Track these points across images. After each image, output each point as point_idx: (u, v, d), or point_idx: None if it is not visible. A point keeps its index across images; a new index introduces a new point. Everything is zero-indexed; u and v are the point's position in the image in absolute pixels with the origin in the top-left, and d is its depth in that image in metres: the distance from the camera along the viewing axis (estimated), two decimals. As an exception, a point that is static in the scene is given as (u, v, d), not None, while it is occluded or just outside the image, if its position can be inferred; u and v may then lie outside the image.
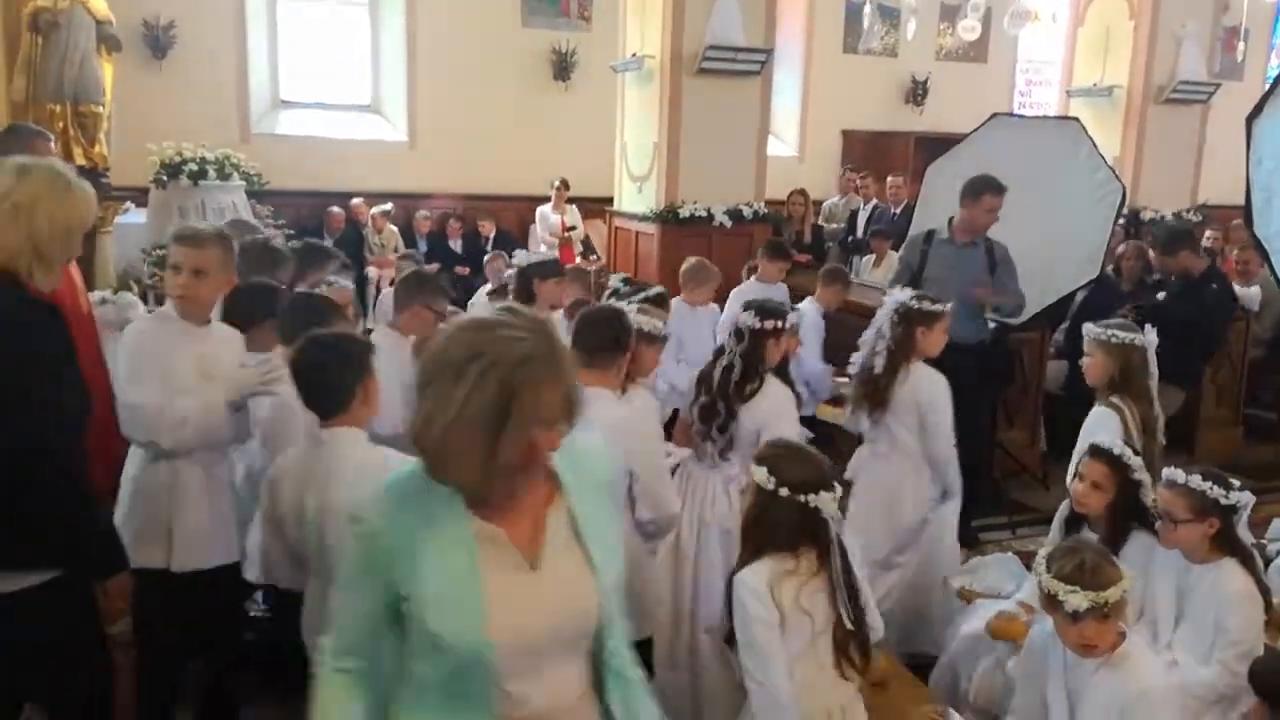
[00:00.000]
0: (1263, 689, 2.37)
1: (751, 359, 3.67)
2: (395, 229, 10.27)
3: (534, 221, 10.54)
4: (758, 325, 3.67)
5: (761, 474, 2.44)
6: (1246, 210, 5.58)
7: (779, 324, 3.72)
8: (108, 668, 2.68)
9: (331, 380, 2.69)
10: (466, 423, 1.56)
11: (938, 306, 4.08)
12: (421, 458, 1.65)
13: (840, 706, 2.47)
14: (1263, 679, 2.30)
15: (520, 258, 5.36)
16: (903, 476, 4.09)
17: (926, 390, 4.01)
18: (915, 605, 4.16)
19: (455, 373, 1.57)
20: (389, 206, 10.33)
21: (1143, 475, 3.17)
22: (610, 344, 3.15)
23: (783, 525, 2.42)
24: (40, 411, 2.31)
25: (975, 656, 3.41)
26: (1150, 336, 3.86)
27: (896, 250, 7.89)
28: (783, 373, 3.89)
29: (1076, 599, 2.42)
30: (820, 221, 10.21)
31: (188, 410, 2.97)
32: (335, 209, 10.10)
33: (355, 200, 10.27)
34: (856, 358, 4.23)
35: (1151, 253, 7.08)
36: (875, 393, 4.07)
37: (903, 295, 4.16)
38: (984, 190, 5.17)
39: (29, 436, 2.30)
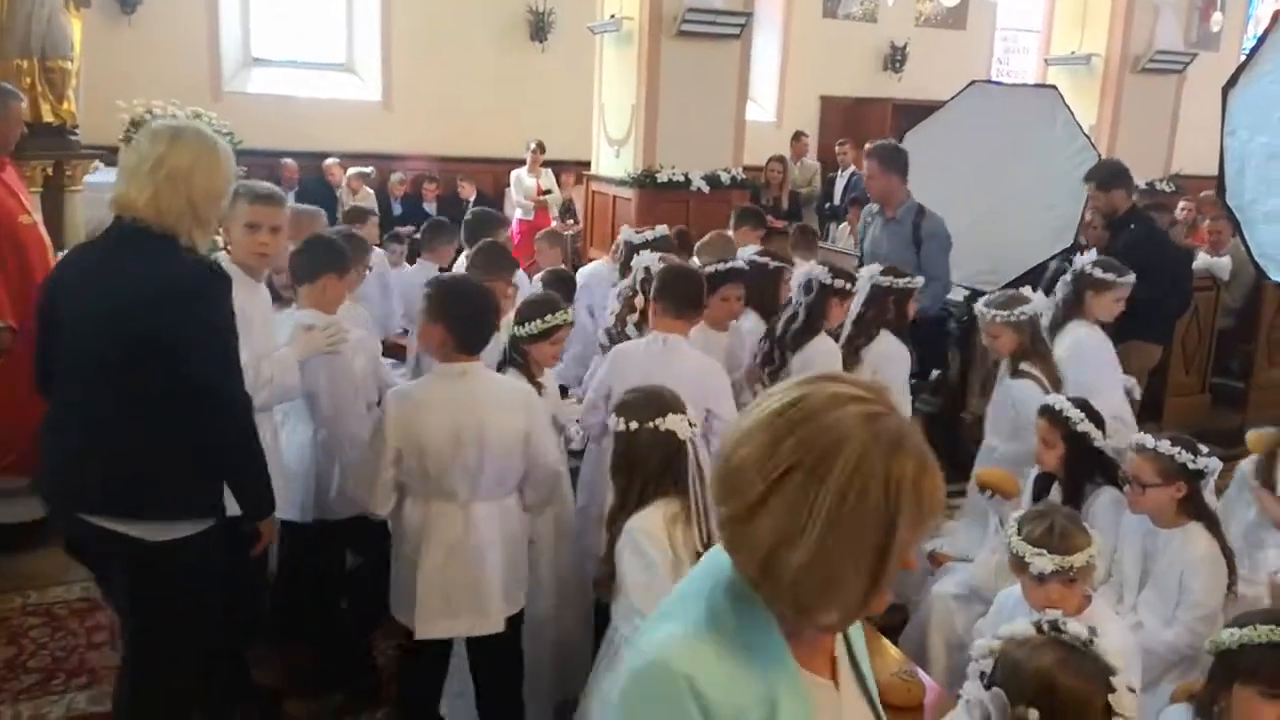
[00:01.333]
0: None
1: (814, 311, 3.99)
2: (371, 191, 10.18)
3: (509, 184, 10.47)
4: (827, 281, 3.99)
5: (616, 420, 2.55)
6: (1219, 180, 5.60)
7: (847, 285, 4.05)
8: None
9: (486, 323, 2.98)
10: (845, 539, 1.14)
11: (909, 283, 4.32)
12: (759, 588, 1.20)
13: None
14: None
15: (625, 235, 4.95)
16: None
17: (882, 362, 4.18)
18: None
19: (809, 473, 1.15)
20: (370, 170, 10.21)
21: (1086, 426, 3.25)
22: (696, 300, 3.52)
23: (644, 458, 2.50)
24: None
25: (946, 618, 3.48)
26: (1039, 300, 4.09)
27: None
28: (900, 331, 4.26)
29: (1043, 562, 2.46)
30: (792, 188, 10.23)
31: (271, 369, 3.06)
32: (289, 161, 9.92)
33: (329, 161, 10.16)
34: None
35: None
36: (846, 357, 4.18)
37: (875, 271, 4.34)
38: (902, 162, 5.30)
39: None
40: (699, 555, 2.25)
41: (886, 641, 3.42)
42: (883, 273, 4.30)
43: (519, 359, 3.36)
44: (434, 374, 3.02)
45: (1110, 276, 4.41)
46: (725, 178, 8.48)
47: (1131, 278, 4.44)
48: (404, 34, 11.03)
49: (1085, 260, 4.49)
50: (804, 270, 4.18)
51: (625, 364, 3.44)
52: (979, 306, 4.13)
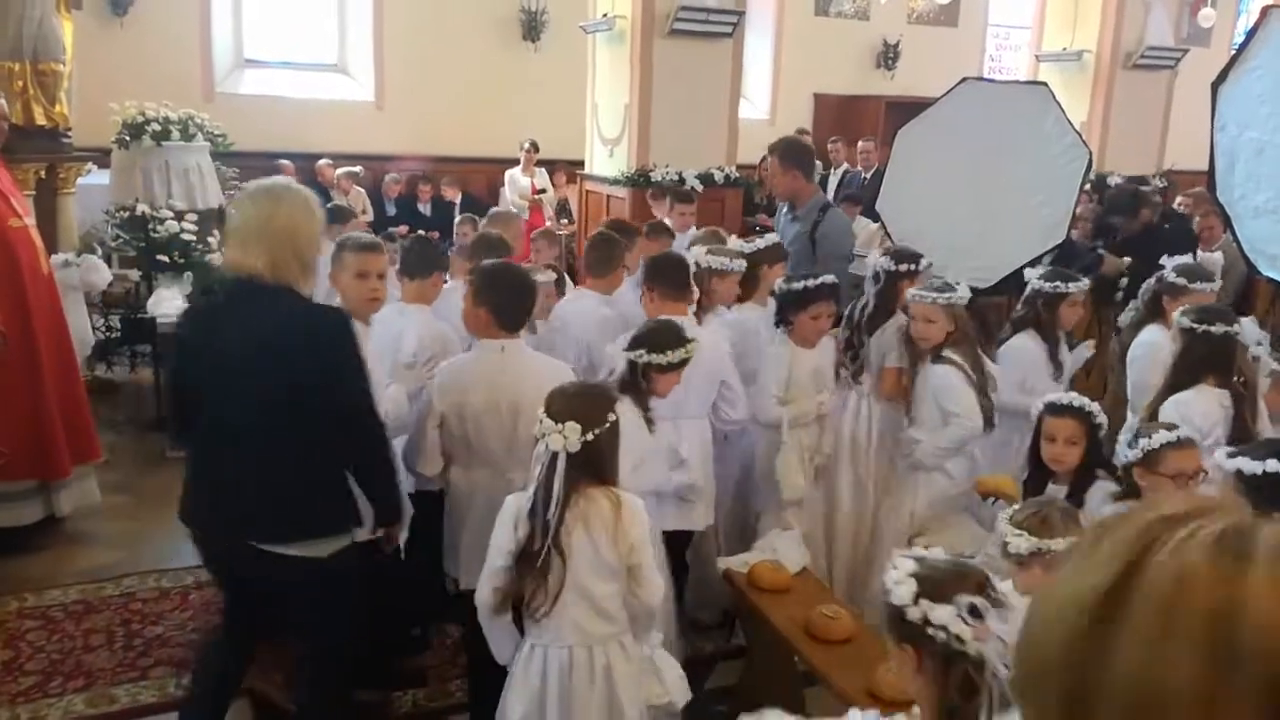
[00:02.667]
0: None
1: (884, 297, 4.25)
2: (363, 191, 10.17)
3: (504, 184, 10.48)
4: (892, 268, 4.24)
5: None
6: (1210, 176, 5.65)
7: (911, 267, 4.25)
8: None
9: (524, 303, 3.31)
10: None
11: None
12: None
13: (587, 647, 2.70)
14: None
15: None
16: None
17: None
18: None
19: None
20: (358, 169, 10.21)
21: (1102, 418, 3.26)
22: (685, 284, 3.88)
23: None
24: (373, 398, 2.88)
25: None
26: (964, 290, 4.05)
27: (866, 215, 7.92)
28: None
29: (1020, 542, 2.47)
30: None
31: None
32: (284, 161, 9.93)
33: (321, 161, 10.16)
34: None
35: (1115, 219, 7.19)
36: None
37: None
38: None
39: (378, 415, 2.90)
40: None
41: (822, 584, 3.50)
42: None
43: (641, 384, 3.35)
44: (477, 348, 3.37)
45: (1184, 282, 4.30)
46: (719, 176, 8.49)
47: (1212, 285, 4.35)
48: (396, 34, 11.03)
49: (1169, 266, 4.42)
50: (870, 259, 4.49)
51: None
52: (910, 294, 4.06)
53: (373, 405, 2.87)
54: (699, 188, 8.22)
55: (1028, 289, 4.45)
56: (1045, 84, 6.47)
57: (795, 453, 4.05)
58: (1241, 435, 3.41)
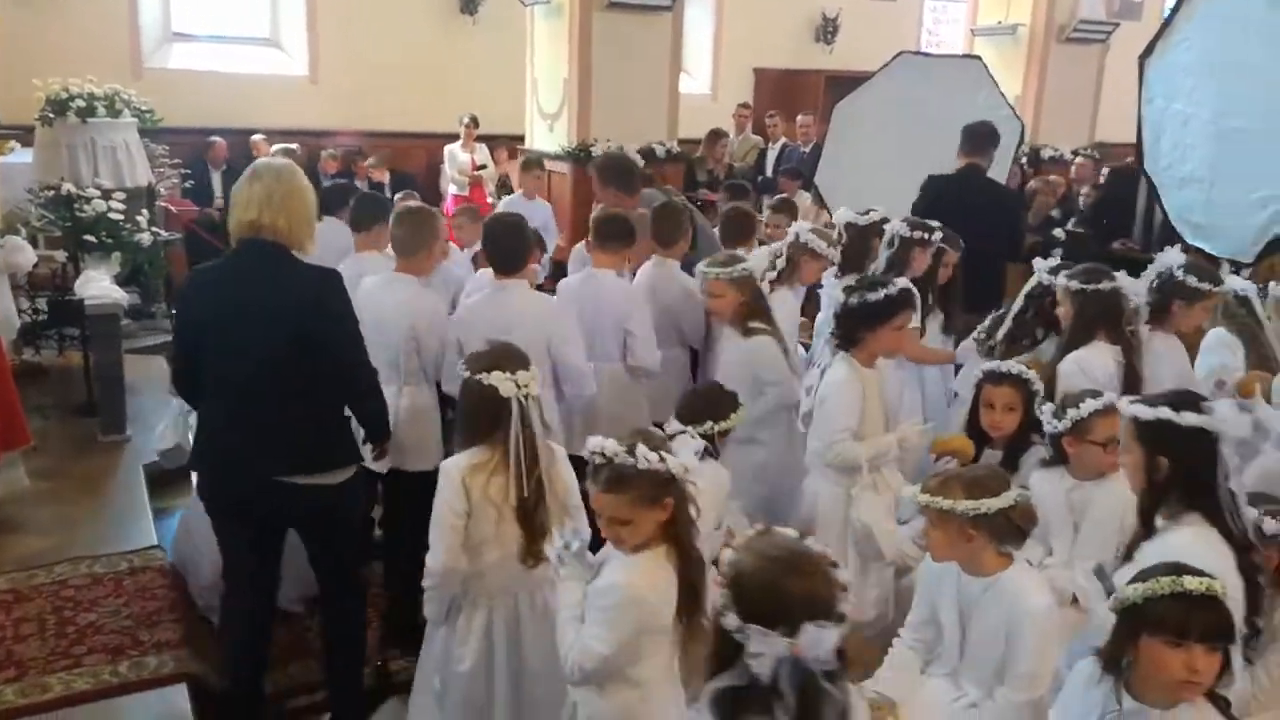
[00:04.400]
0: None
1: (896, 261, 4.35)
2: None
3: (443, 160, 10.36)
4: (907, 233, 4.36)
5: (461, 369, 2.81)
6: (1138, 148, 5.79)
7: (925, 235, 4.38)
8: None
9: (514, 249, 3.79)
10: None
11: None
12: None
13: (529, 592, 2.76)
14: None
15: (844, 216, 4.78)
16: None
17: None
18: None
19: None
20: (295, 146, 10.00)
21: (1039, 386, 3.35)
22: (628, 236, 4.25)
23: (472, 410, 2.74)
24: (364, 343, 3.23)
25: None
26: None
27: (805, 190, 7.98)
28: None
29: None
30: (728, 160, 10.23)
31: None
32: (217, 139, 9.70)
33: (255, 137, 9.94)
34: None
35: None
36: None
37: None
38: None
39: (369, 361, 3.26)
40: (516, 507, 2.65)
41: None
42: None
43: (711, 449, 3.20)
44: (487, 287, 3.89)
45: (1198, 283, 3.90)
46: (660, 151, 8.47)
47: (1224, 286, 4.02)
48: (330, 7, 10.80)
49: (1172, 264, 3.94)
50: (891, 227, 4.53)
51: (565, 294, 4.23)
52: (699, 268, 4.08)
53: (365, 355, 3.23)
54: (640, 162, 8.20)
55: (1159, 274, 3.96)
56: (979, 58, 6.55)
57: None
58: (1133, 384, 3.56)
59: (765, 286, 4.27)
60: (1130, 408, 2.62)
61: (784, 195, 6.49)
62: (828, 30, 13.41)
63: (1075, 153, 10.47)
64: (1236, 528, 2.50)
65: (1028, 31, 10.99)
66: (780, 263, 4.47)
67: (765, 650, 1.62)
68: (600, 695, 2.35)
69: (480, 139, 10.30)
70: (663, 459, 2.26)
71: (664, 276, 4.51)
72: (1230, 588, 2.16)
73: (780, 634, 1.62)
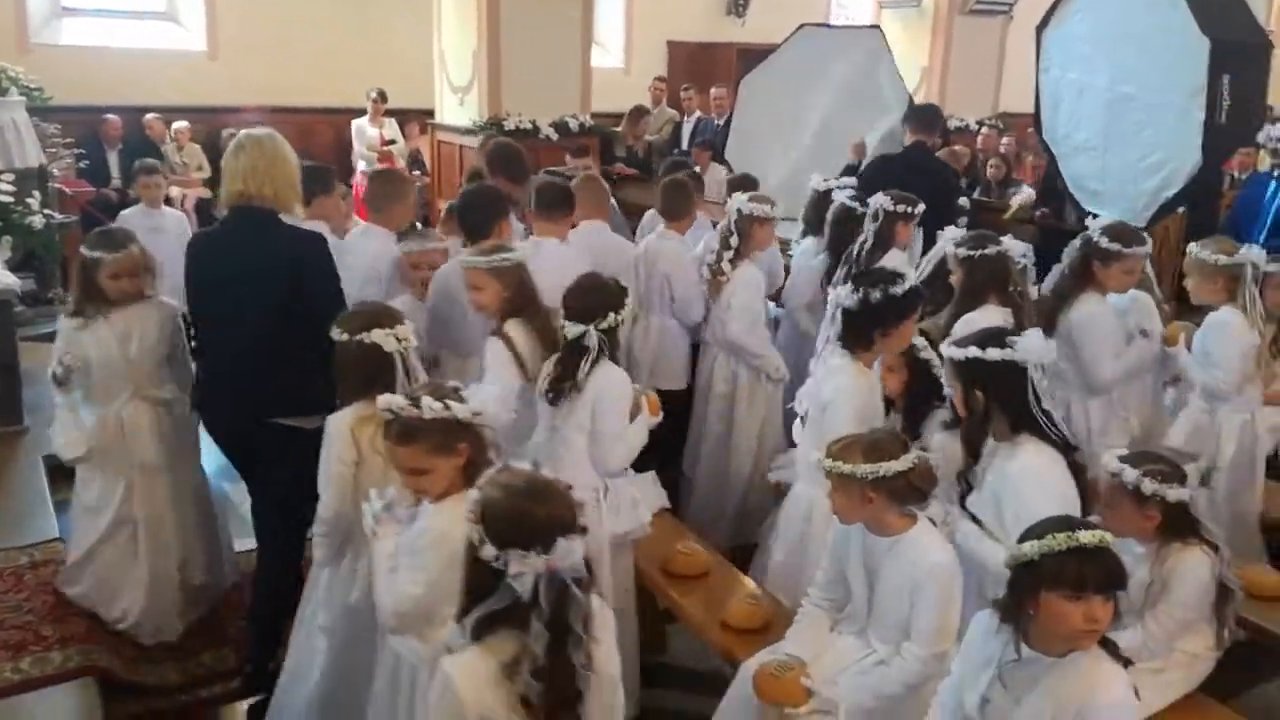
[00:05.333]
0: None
1: (882, 234, 4.54)
2: (199, 146, 9.67)
3: (351, 136, 10.14)
4: (891, 207, 4.55)
5: (336, 331, 2.89)
6: (1036, 117, 5.95)
7: (910, 209, 4.59)
8: None
9: (479, 218, 3.96)
10: None
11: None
12: None
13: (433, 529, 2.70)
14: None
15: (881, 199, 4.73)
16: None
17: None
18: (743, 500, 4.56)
19: None
20: (185, 124, 9.69)
21: (929, 353, 3.38)
22: (567, 202, 4.33)
23: (352, 367, 2.85)
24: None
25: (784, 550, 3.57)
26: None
27: (718, 161, 8.02)
28: None
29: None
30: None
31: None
32: (111, 116, 9.32)
33: (150, 116, 9.58)
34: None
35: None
36: None
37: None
38: None
39: None
40: None
41: (734, 569, 3.60)
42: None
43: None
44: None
45: (1118, 247, 3.92)
46: (574, 124, 8.42)
47: (1146, 248, 4.04)
48: (229, -22, 10.45)
49: (1094, 228, 4.03)
50: (875, 200, 4.67)
51: None
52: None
53: (344, 306, 3.35)
54: (554, 136, 8.16)
55: (1080, 237, 4.05)
56: (878, 28, 6.65)
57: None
58: None
59: (727, 265, 4.47)
60: (945, 349, 2.86)
61: (745, 174, 6.45)
62: (739, 3, 13.43)
63: (980, 123, 10.73)
64: (1057, 438, 2.77)
65: (933, 4, 11.19)
66: (734, 240, 4.54)
67: (525, 569, 1.82)
68: (419, 642, 2.42)
69: (389, 113, 10.10)
70: (448, 406, 2.36)
71: (667, 249, 4.71)
72: (1069, 496, 2.63)
73: (536, 553, 1.81)
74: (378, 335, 2.83)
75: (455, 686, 1.87)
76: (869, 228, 4.62)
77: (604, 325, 3.14)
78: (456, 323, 3.96)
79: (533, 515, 1.86)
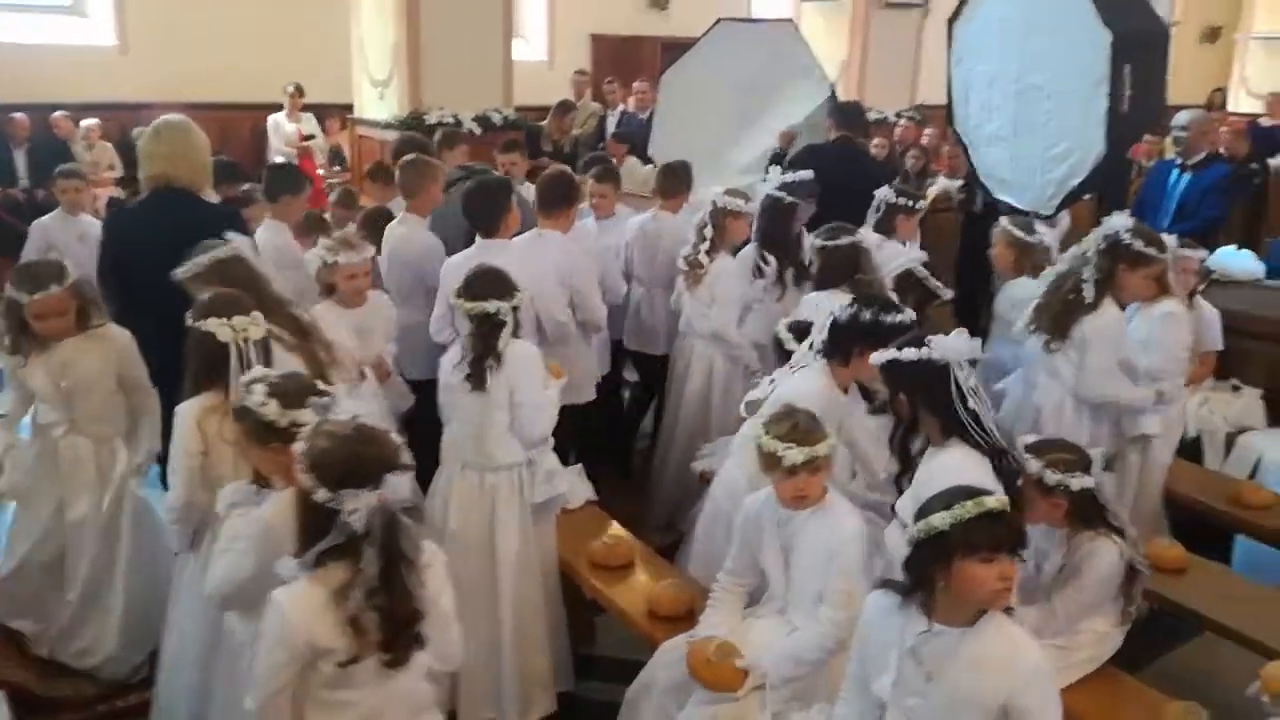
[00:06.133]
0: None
1: (882, 228, 4.77)
2: (110, 144, 9.38)
3: (269, 131, 9.93)
4: (893, 199, 4.80)
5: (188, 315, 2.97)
6: (948, 108, 6.07)
7: (909, 202, 4.84)
8: None
9: (484, 212, 4.17)
10: None
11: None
12: None
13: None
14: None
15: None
16: None
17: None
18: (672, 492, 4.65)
19: None
20: (95, 122, 9.39)
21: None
22: (568, 198, 4.45)
23: (193, 355, 2.89)
24: None
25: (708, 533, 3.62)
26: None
27: (635, 155, 8.02)
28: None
29: (794, 454, 2.64)
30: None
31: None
32: (18, 115, 8.96)
33: (57, 113, 9.25)
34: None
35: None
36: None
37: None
38: None
39: None
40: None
41: (662, 560, 3.63)
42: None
43: None
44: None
45: (1149, 250, 3.78)
46: (497, 118, 8.36)
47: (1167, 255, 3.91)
48: (138, -29, 10.15)
49: (1119, 227, 3.79)
50: (879, 193, 4.89)
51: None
52: (310, 254, 3.96)
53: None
54: (477, 130, 8.09)
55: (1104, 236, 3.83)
56: (791, 21, 6.73)
57: None
58: None
59: (704, 258, 4.60)
60: (874, 356, 2.88)
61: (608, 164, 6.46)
62: (661, -4, 13.45)
63: (899, 115, 10.90)
64: (985, 442, 2.74)
65: (851, -1, 11.36)
66: (708, 232, 4.64)
67: (359, 506, 1.98)
68: (246, 619, 2.50)
69: (307, 108, 9.92)
70: (268, 405, 2.43)
71: (666, 229, 5.01)
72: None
73: (369, 490, 1.99)
74: (213, 324, 2.85)
75: (284, 612, 2.03)
76: (871, 218, 4.79)
77: (514, 304, 3.31)
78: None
79: (363, 457, 2.03)
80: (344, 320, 3.89)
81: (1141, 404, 3.88)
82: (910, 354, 2.76)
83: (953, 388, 2.72)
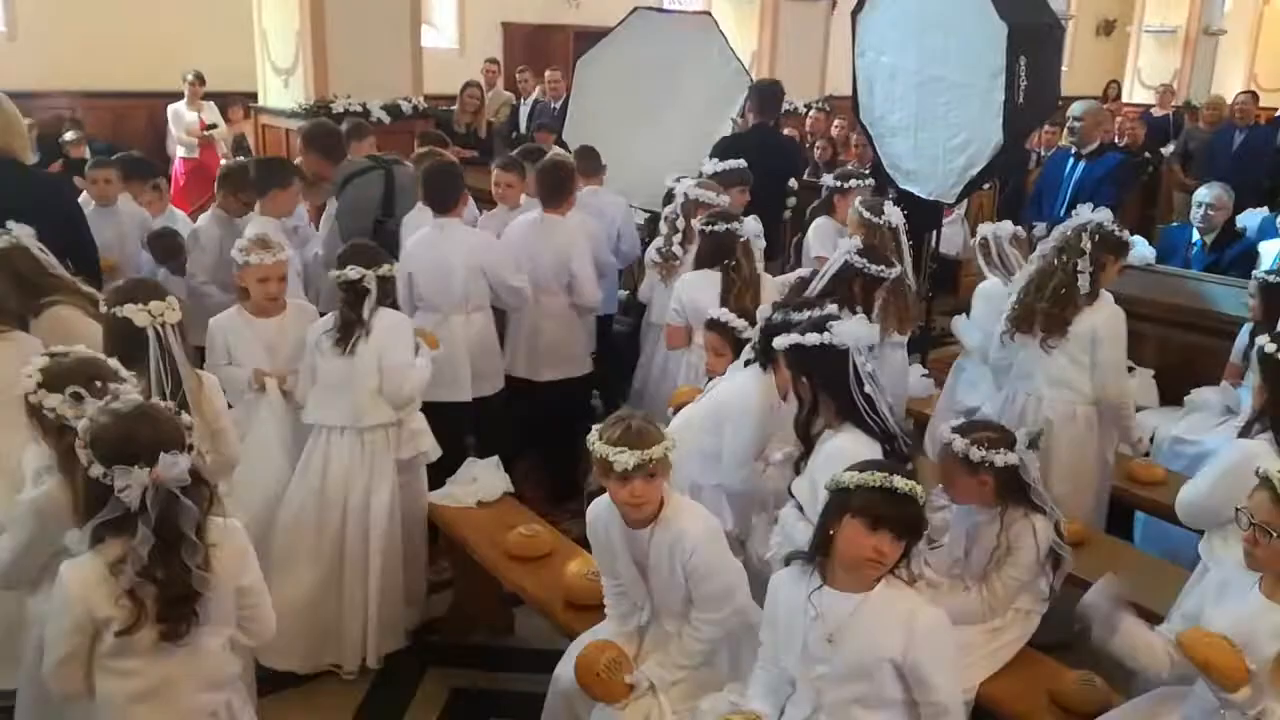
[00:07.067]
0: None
1: (819, 209, 5.35)
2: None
3: (168, 121, 9.62)
4: (834, 184, 5.27)
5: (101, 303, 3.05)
6: (854, 99, 6.18)
7: (844, 184, 5.23)
8: None
9: (442, 191, 4.49)
10: None
11: None
12: None
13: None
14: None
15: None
16: None
17: None
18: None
19: None
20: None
21: (748, 332, 3.47)
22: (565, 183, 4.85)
23: (113, 341, 2.89)
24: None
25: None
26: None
27: (559, 144, 8.00)
28: None
29: (625, 458, 2.51)
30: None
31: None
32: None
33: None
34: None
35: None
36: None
37: None
38: None
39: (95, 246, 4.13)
40: None
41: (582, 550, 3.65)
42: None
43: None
44: (427, 226, 4.53)
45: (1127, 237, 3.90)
46: (406, 107, 8.23)
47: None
48: (25, -49, 9.71)
49: (1103, 219, 3.83)
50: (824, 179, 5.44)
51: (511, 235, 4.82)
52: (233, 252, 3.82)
53: (86, 235, 3.99)
54: (385, 119, 7.95)
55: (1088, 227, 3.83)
56: (709, 14, 6.77)
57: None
58: (737, 310, 3.71)
59: (678, 249, 4.70)
60: (777, 340, 2.96)
61: (586, 146, 6.36)
62: (573, -15, 13.39)
63: (808, 106, 11.06)
64: (877, 426, 2.84)
65: (761, -11, 11.47)
66: (680, 223, 4.72)
67: (130, 482, 2.06)
68: (34, 597, 2.54)
69: (209, 96, 9.63)
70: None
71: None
72: None
73: (140, 467, 2.06)
74: (130, 309, 2.86)
75: (65, 582, 2.14)
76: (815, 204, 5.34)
77: (380, 273, 3.60)
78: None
79: (137, 434, 2.11)
80: (251, 330, 3.73)
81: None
82: (813, 339, 2.84)
83: (850, 372, 2.80)
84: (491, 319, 4.69)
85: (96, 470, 2.08)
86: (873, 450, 2.76)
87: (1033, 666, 2.95)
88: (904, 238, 4.51)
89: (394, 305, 3.74)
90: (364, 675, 3.70)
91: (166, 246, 5.17)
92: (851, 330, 2.84)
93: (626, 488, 2.57)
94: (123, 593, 2.11)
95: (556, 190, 4.82)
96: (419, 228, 4.61)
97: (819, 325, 2.87)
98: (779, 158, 5.79)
